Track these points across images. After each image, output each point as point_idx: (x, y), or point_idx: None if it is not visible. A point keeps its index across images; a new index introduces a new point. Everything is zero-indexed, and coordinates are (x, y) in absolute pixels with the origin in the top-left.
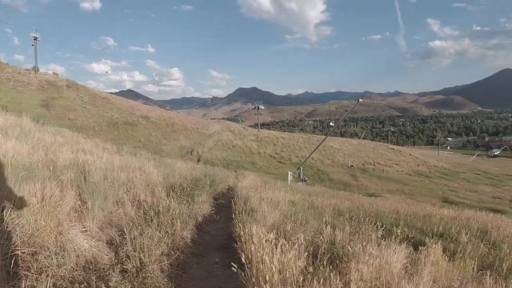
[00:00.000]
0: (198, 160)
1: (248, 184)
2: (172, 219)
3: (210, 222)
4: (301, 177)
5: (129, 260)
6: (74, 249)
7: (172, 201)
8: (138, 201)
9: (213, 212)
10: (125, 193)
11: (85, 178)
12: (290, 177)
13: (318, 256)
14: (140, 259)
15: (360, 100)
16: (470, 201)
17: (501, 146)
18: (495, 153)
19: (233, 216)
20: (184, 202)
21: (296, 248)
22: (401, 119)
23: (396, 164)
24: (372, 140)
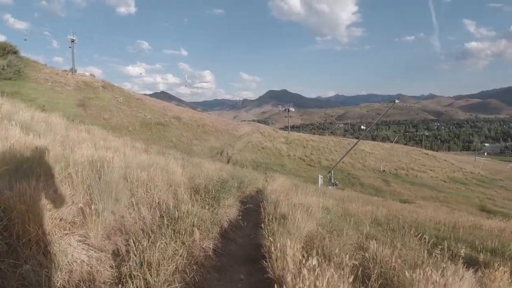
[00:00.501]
0: (228, 161)
1: (277, 187)
2: (192, 226)
3: (236, 229)
4: (332, 180)
5: (132, 280)
6: (68, 262)
7: (194, 204)
8: (158, 203)
9: (240, 217)
10: (144, 193)
11: (99, 177)
12: (320, 181)
13: (368, 283)
14: (145, 279)
15: (396, 101)
16: (508, 210)
17: None
18: None
19: (262, 224)
20: (208, 206)
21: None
22: (435, 123)
23: (431, 170)
24: (405, 144)
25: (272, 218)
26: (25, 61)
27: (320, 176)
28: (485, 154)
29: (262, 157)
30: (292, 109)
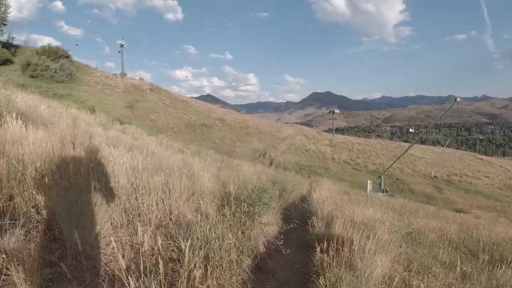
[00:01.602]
0: (270, 164)
1: (325, 194)
2: (207, 262)
3: (276, 253)
4: (382, 187)
5: None
6: None
7: (219, 222)
8: (170, 219)
9: (282, 238)
10: (156, 205)
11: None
12: (369, 186)
13: None
14: None
15: (458, 99)
16: None
17: None
18: None
19: (312, 253)
20: (239, 225)
21: None
22: (489, 126)
23: (486, 177)
24: (457, 149)
25: (326, 247)
26: (77, 65)
27: (369, 181)
28: None
29: (306, 159)
30: (337, 111)
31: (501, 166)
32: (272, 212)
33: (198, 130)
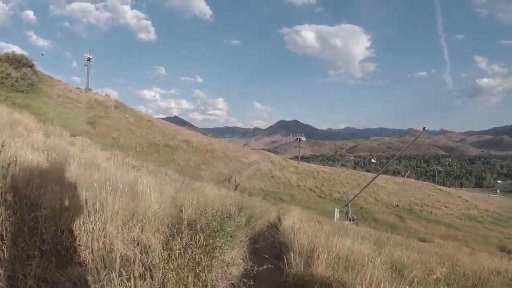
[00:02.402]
0: (236, 188)
1: (296, 223)
2: None
3: None
4: (349, 215)
5: None
6: None
7: (165, 262)
8: (91, 252)
9: (251, 285)
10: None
11: None
12: (337, 215)
13: None
14: None
15: (426, 128)
16: None
17: None
18: None
19: None
20: (188, 267)
21: None
22: (447, 159)
23: (445, 207)
24: (417, 179)
25: None
26: (40, 75)
27: (336, 209)
28: (498, 191)
29: (271, 186)
30: (303, 138)
31: (459, 197)
32: (238, 246)
33: (162, 151)
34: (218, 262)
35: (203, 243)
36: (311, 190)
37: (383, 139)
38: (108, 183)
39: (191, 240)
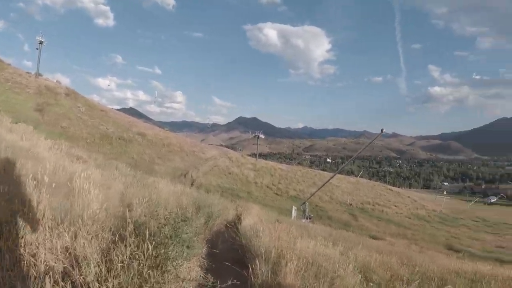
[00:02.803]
0: (192, 184)
1: (256, 222)
2: None
3: None
4: (307, 213)
5: None
6: None
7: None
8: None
9: None
10: None
11: None
12: (294, 213)
13: None
14: None
15: (384, 130)
16: (475, 250)
17: (497, 194)
18: (492, 201)
19: None
20: (133, 285)
21: None
22: (398, 161)
23: (395, 206)
24: (369, 179)
25: None
26: None
27: (294, 207)
28: (444, 192)
29: (228, 182)
30: (262, 136)
31: (409, 197)
32: (196, 258)
33: (115, 143)
34: (171, 277)
35: (152, 253)
36: (268, 187)
37: (339, 139)
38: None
39: (138, 249)
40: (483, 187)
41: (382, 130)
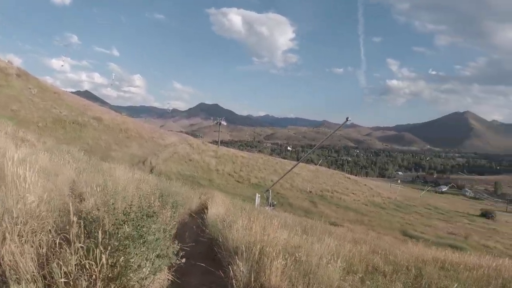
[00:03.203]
0: (151, 171)
1: (222, 211)
2: None
3: None
4: (270, 201)
5: None
6: None
7: None
8: None
9: None
10: None
11: None
12: (258, 200)
13: None
14: None
15: (349, 119)
16: (429, 236)
17: (448, 184)
18: (443, 190)
19: None
20: None
21: None
22: (355, 150)
23: (353, 193)
24: (328, 167)
25: None
26: None
27: (257, 195)
28: (399, 181)
29: (189, 169)
30: (224, 123)
31: (365, 185)
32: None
33: (69, 127)
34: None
35: (107, 262)
36: (229, 175)
37: (299, 128)
38: None
39: (88, 257)
40: (435, 176)
41: (347, 119)
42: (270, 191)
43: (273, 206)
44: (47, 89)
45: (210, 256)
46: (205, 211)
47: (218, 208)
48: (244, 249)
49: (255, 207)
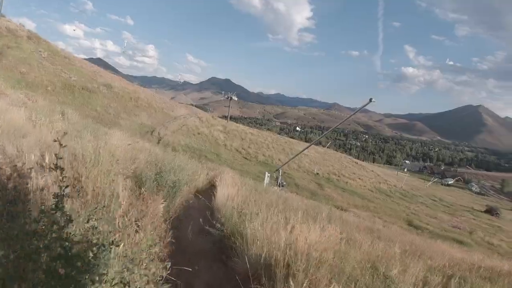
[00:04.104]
0: (158, 142)
1: (233, 193)
2: None
3: None
4: (279, 180)
5: None
6: None
7: None
8: None
9: None
10: None
11: None
12: (267, 179)
13: None
14: None
15: (373, 100)
16: (434, 227)
17: (455, 177)
18: (449, 182)
19: None
20: None
21: None
22: (364, 135)
23: (359, 179)
24: (336, 151)
25: None
26: None
27: (267, 173)
28: (405, 170)
29: (197, 143)
30: (234, 98)
31: (372, 171)
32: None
33: (78, 93)
34: None
35: None
36: (237, 151)
37: (310, 109)
38: None
39: None
40: (442, 168)
41: (370, 99)
42: (280, 170)
43: (282, 186)
44: (57, 53)
45: (219, 257)
46: (214, 191)
47: (228, 188)
48: (273, 263)
49: (265, 187)
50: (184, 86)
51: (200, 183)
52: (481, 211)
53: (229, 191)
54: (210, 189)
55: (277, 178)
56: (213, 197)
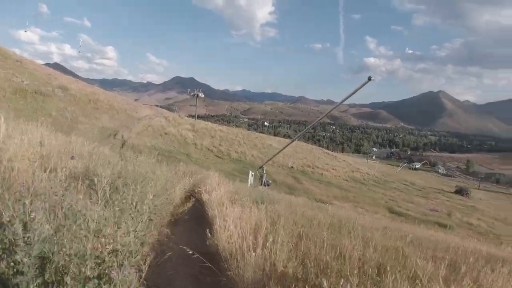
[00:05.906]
0: (122, 145)
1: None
2: None
3: None
4: (264, 179)
5: None
6: None
7: None
8: None
9: None
10: None
11: None
12: (251, 179)
13: None
14: None
15: (372, 78)
16: (414, 212)
17: (421, 160)
18: (416, 166)
19: None
20: None
21: None
22: (331, 126)
23: (333, 169)
24: (305, 143)
25: None
26: None
27: (251, 172)
28: (374, 157)
29: (164, 143)
30: (201, 95)
31: (344, 161)
32: None
33: (30, 98)
34: None
35: None
36: (208, 149)
37: (276, 103)
38: None
39: None
40: (408, 153)
41: (369, 78)
42: (264, 168)
43: (268, 185)
44: (8, 57)
45: None
46: (201, 209)
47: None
48: None
49: (248, 187)
50: (147, 87)
51: (177, 198)
52: (452, 192)
53: (234, 215)
54: (194, 207)
55: (261, 176)
56: (206, 228)
